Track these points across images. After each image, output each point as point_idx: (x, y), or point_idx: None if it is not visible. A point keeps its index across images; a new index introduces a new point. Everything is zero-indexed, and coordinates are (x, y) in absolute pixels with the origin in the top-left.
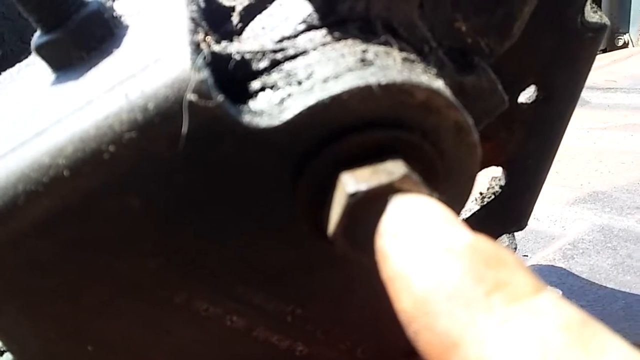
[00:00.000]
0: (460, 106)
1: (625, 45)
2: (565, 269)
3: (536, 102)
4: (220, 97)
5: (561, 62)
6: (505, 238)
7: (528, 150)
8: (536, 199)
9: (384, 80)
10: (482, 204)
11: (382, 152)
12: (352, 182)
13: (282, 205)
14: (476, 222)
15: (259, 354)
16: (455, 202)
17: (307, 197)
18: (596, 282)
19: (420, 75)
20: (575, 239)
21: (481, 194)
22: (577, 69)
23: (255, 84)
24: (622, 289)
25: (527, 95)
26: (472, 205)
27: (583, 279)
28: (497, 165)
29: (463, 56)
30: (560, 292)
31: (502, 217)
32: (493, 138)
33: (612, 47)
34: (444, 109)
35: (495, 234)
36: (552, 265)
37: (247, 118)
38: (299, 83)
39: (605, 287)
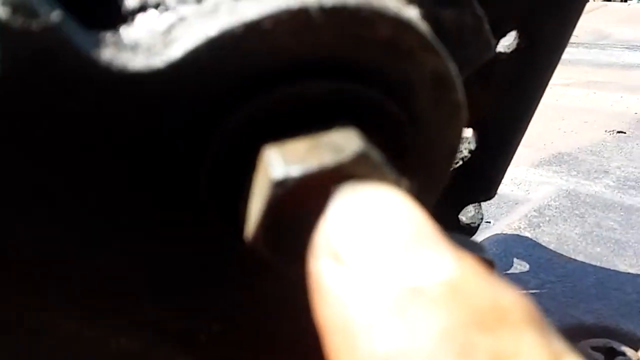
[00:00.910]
0: (442, 48)
1: None
2: (531, 239)
3: (517, 52)
4: (55, 16)
5: (548, 3)
6: (470, 207)
7: (504, 109)
8: (508, 165)
9: (329, 1)
10: None
11: (327, 116)
12: (280, 162)
13: (178, 190)
14: (443, 191)
15: None
16: (431, 188)
17: (215, 178)
18: (564, 253)
19: None
20: (541, 205)
21: None
22: (566, 13)
23: (130, 2)
24: (592, 262)
25: (506, 43)
26: None
27: (550, 250)
28: (467, 127)
29: None
30: (528, 266)
31: (470, 186)
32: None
33: None
34: (418, 51)
35: (461, 205)
36: (518, 235)
37: (107, 54)
38: (198, 1)
39: (575, 260)
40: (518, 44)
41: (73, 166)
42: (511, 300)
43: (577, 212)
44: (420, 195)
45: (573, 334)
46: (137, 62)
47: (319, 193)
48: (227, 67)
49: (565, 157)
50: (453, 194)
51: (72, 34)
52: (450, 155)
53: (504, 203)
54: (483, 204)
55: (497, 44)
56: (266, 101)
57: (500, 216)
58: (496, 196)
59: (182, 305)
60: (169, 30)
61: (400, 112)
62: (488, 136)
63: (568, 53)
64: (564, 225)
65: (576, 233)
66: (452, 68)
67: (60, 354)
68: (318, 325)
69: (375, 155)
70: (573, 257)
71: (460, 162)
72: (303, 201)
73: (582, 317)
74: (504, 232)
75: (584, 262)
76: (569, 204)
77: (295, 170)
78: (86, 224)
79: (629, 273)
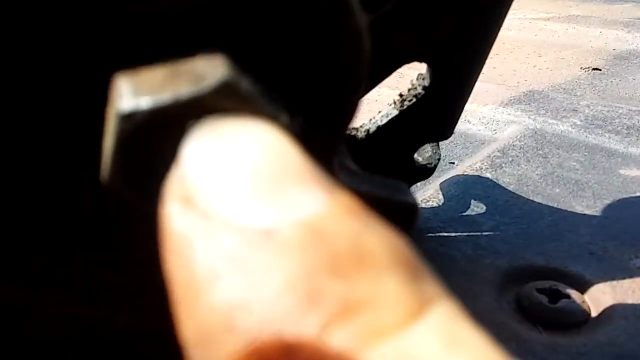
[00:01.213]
0: None
1: None
2: (491, 180)
3: None
4: None
5: None
6: (428, 147)
7: (459, 42)
8: (465, 103)
9: None
10: (401, 108)
11: (194, 41)
12: (129, 93)
13: (32, 123)
14: (394, 130)
15: (62, 332)
16: (330, 127)
17: (73, 112)
18: (523, 195)
19: None
20: (505, 145)
21: (401, 95)
22: None
23: None
24: (550, 204)
25: None
26: (389, 110)
27: (509, 191)
28: (420, 61)
29: None
30: (485, 208)
31: (425, 125)
32: (414, 25)
33: None
34: None
35: (415, 144)
36: (478, 176)
37: None
38: None
39: (532, 201)
40: None
41: None
42: (378, 242)
43: (540, 152)
44: (322, 131)
45: (521, 276)
46: None
47: (175, 128)
48: None
49: (536, 95)
50: (407, 132)
51: None
52: (354, 89)
53: (470, 143)
54: (449, 144)
55: None
56: (117, 21)
57: (465, 157)
58: (462, 136)
59: (69, 254)
60: None
61: (287, 39)
62: (442, 72)
63: None
64: (526, 165)
65: (537, 174)
66: None
67: None
68: (166, 277)
69: (245, 85)
70: (532, 198)
71: (414, 100)
72: (158, 137)
73: (532, 258)
74: (466, 174)
75: (541, 204)
76: (534, 144)
77: (145, 102)
78: None
79: (584, 215)
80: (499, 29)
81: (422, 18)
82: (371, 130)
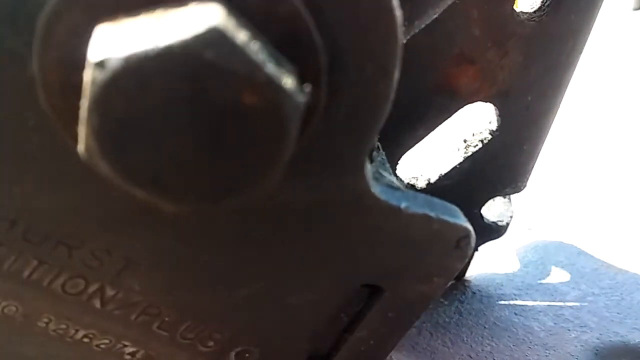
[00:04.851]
0: None
1: None
2: (576, 247)
3: (540, 12)
4: None
5: None
6: (498, 202)
7: (528, 81)
8: (539, 150)
9: None
10: (466, 154)
11: None
12: (105, 42)
13: (19, 103)
14: (459, 179)
15: (60, 356)
16: (361, 112)
17: (49, 74)
18: (614, 264)
19: None
20: (592, 209)
21: (465, 141)
22: None
23: None
24: None
25: (529, 1)
26: (453, 157)
27: (597, 259)
28: (486, 101)
29: None
30: (569, 276)
31: (493, 174)
32: (477, 60)
33: None
34: None
35: (482, 197)
36: (561, 242)
37: None
38: None
39: (626, 271)
40: (542, 3)
41: None
42: None
43: (633, 217)
44: (354, 115)
45: (614, 354)
46: None
47: (154, 78)
48: None
49: None
50: (473, 183)
51: None
52: (382, 72)
53: (550, 206)
54: (522, 205)
55: (515, 0)
56: None
57: (544, 221)
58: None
59: (58, 262)
60: None
61: (302, 5)
62: (511, 113)
63: None
64: (616, 232)
65: (630, 241)
66: None
67: None
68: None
69: (240, 35)
70: (624, 268)
71: (480, 145)
72: (135, 90)
73: (628, 335)
74: (545, 239)
75: (636, 274)
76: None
77: (123, 49)
78: None
79: None
80: (576, 64)
81: (484, 50)
82: (432, 180)
